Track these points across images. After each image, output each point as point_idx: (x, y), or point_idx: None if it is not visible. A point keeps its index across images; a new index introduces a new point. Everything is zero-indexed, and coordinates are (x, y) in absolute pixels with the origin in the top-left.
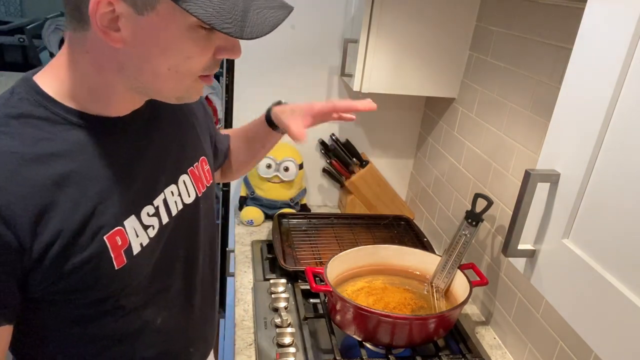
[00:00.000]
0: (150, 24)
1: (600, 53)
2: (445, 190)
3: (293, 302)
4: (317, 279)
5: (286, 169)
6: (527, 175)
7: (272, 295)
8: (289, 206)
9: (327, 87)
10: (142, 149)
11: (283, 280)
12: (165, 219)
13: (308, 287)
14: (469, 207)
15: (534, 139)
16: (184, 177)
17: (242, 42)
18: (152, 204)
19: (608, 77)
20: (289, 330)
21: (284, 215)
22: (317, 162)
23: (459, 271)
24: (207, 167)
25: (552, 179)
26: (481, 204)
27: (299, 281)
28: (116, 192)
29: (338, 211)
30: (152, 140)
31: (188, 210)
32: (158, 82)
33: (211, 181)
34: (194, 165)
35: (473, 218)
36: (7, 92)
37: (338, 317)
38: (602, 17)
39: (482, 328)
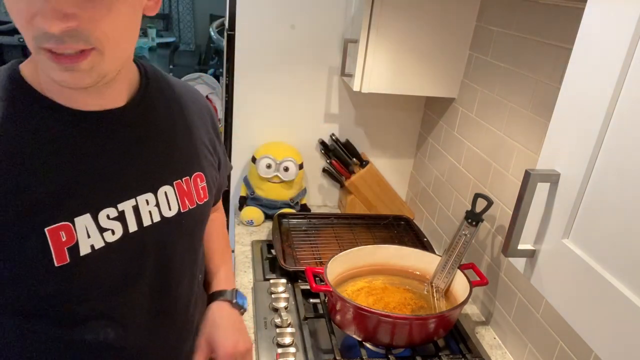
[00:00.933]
0: None
1: (600, 53)
2: (445, 190)
3: (293, 302)
4: (317, 279)
5: (286, 169)
6: (527, 175)
7: (272, 295)
8: (289, 206)
9: (327, 87)
10: (112, 149)
11: (283, 280)
12: (132, 227)
13: (308, 287)
14: (469, 207)
15: (534, 139)
16: (165, 189)
17: (244, 42)
18: (116, 207)
19: (608, 77)
20: (289, 330)
21: (284, 215)
22: (317, 162)
23: (459, 271)
24: (202, 184)
25: (552, 179)
26: (481, 204)
27: (299, 281)
28: (71, 186)
29: (338, 211)
30: (128, 143)
31: (166, 224)
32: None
33: (205, 200)
34: (183, 179)
35: (473, 218)
36: None
37: (338, 317)
38: (602, 17)
39: (482, 328)
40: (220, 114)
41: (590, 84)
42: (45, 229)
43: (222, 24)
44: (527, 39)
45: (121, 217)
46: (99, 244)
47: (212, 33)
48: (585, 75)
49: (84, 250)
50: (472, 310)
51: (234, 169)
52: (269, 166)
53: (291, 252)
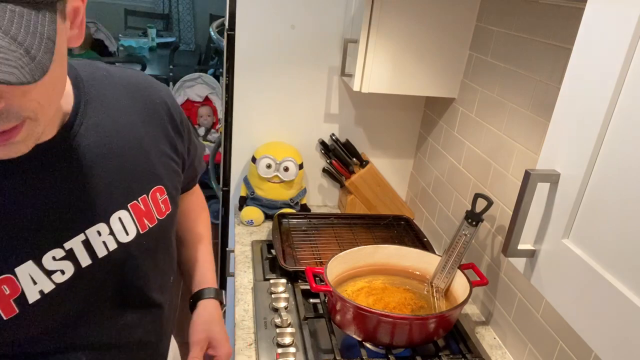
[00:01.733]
0: None
1: (600, 53)
2: (445, 190)
3: (293, 302)
4: (317, 279)
5: (286, 169)
6: (527, 175)
7: (272, 295)
8: (289, 206)
9: (327, 87)
10: (50, 186)
11: (283, 280)
12: (85, 262)
13: (308, 287)
14: (469, 207)
15: (534, 139)
16: (119, 214)
17: (244, 42)
18: (62, 247)
19: (608, 77)
20: (289, 330)
21: (284, 215)
22: (317, 162)
23: (459, 271)
24: (163, 197)
25: (552, 179)
26: (481, 204)
27: (299, 281)
28: (5, 236)
29: (338, 211)
30: (68, 176)
31: (124, 250)
32: None
33: (167, 212)
34: (139, 198)
35: (473, 218)
36: None
37: (338, 317)
38: (602, 17)
39: (482, 328)
40: (220, 114)
41: (590, 84)
42: None
43: (222, 24)
44: (527, 39)
45: (70, 255)
46: (48, 287)
47: (212, 33)
48: (585, 75)
49: (32, 297)
50: (472, 310)
51: (234, 169)
52: (269, 166)
53: (291, 252)
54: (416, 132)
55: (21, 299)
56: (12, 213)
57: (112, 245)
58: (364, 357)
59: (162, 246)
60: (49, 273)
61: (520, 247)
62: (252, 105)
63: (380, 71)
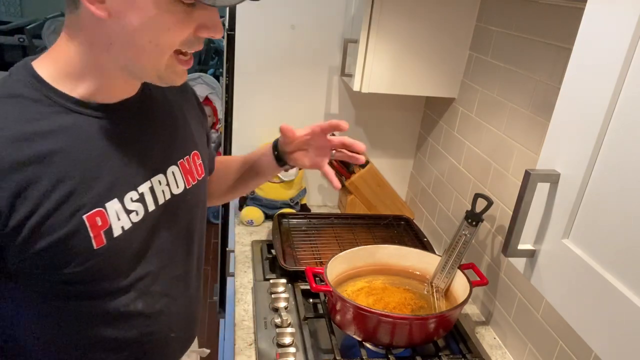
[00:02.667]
0: None
1: (600, 53)
2: (445, 190)
3: (293, 302)
4: (317, 279)
5: (286, 169)
6: (527, 175)
7: (272, 295)
8: (289, 206)
9: (327, 87)
10: (130, 136)
11: (283, 280)
12: (151, 206)
13: (308, 287)
14: (469, 207)
15: (534, 139)
16: (172, 169)
17: (244, 42)
18: (137, 190)
19: (608, 77)
20: (289, 330)
21: (284, 215)
22: None
23: (459, 271)
24: (199, 161)
25: (552, 179)
26: (481, 204)
27: (299, 281)
28: (99, 174)
29: (338, 211)
30: (141, 129)
31: (175, 200)
32: (142, 58)
33: (202, 175)
34: (185, 158)
35: (473, 218)
36: (6, 74)
37: (338, 317)
38: (602, 17)
39: (482, 328)
40: (220, 114)
41: (590, 83)
42: (84, 216)
43: (222, 24)
44: (527, 39)
45: (142, 199)
46: (127, 225)
47: None
48: (585, 75)
49: (117, 232)
50: (472, 310)
51: None
52: None
53: (291, 252)
54: (416, 132)
55: (109, 231)
56: (104, 154)
57: (167, 195)
58: (364, 357)
59: (200, 205)
60: (128, 212)
61: (520, 247)
62: (252, 105)
63: (380, 71)
